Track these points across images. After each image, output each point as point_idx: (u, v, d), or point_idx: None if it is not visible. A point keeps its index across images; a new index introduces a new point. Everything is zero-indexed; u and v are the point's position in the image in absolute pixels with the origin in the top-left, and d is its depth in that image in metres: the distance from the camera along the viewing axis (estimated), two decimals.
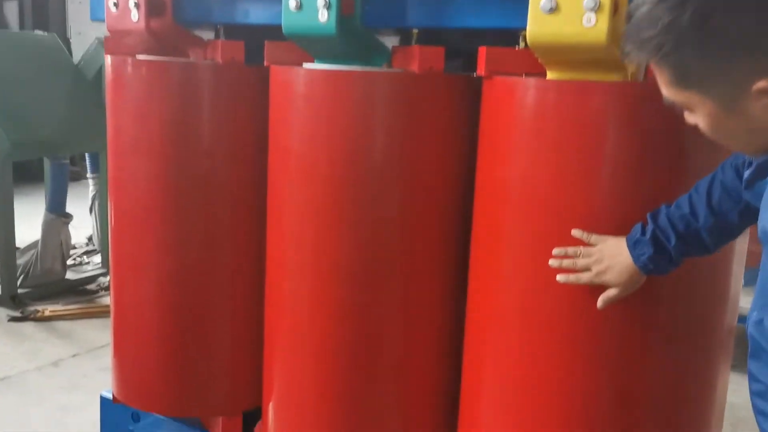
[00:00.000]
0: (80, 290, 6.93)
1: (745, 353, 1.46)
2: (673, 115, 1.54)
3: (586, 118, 1.94)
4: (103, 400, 3.44)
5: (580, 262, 1.89)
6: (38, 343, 5.65)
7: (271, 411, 2.76)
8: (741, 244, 2.15)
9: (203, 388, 3.00)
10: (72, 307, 6.43)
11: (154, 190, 2.85)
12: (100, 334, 5.65)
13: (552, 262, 1.93)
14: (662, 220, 1.82)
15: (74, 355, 5.39)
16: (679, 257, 1.84)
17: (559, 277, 1.92)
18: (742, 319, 1.71)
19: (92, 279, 7.11)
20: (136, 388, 3.11)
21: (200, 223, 2.87)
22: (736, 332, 2.30)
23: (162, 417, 3.25)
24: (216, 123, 2.81)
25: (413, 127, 2.33)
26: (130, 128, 2.87)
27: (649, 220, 1.84)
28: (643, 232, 1.83)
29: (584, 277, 1.88)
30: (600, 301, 1.89)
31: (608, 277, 1.86)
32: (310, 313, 2.52)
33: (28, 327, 6.01)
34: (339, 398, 2.52)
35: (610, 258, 1.85)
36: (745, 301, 1.94)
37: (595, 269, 1.87)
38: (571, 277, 1.90)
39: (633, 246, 1.83)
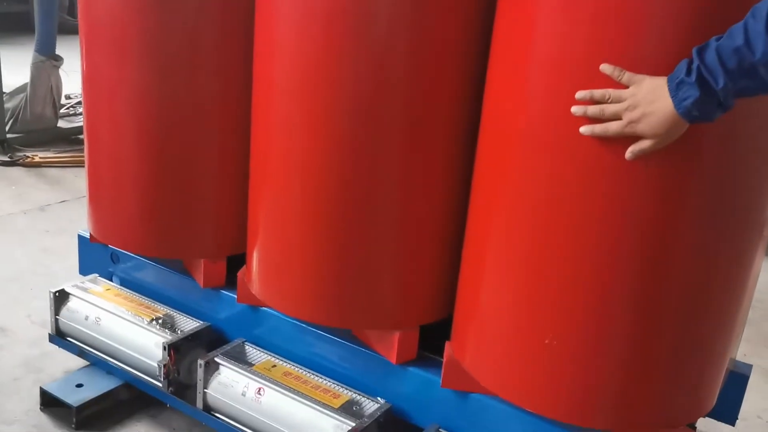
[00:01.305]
0: (73, 139, 6.67)
1: None
2: None
3: None
4: (80, 238, 3.23)
5: (610, 108, 1.57)
6: (26, 188, 5.45)
7: (255, 257, 2.53)
8: None
9: (185, 230, 2.76)
10: (63, 155, 6.19)
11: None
12: None
13: (575, 109, 1.62)
14: (710, 55, 1.47)
15: (62, 201, 5.19)
16: (729, 99, 1.49)
17: (583, 129, 1.61)
18: None
19: None
20: (113, 227, 2.87)
21: (183, 50, 2.53)
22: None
23: (143, 260, 3.05)
24: None
25: None
26: None
27: (694, 56, 1.50)
28: (689, 72, 1.49)
29: (613, 127, 1.58)
30: (629, 153, 1.59)
31: (642, 127, 1.55)
32: (301, 153, 2.23)
33: (16, 172, 5.79)
34: (327, 248, 2.28)
35: (647, 103, 1.53)
36: None
37: (626, 117, 1.55)
38: (597, 129, 1.59)
39: (676, 88, 1.51)
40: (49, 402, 2.83)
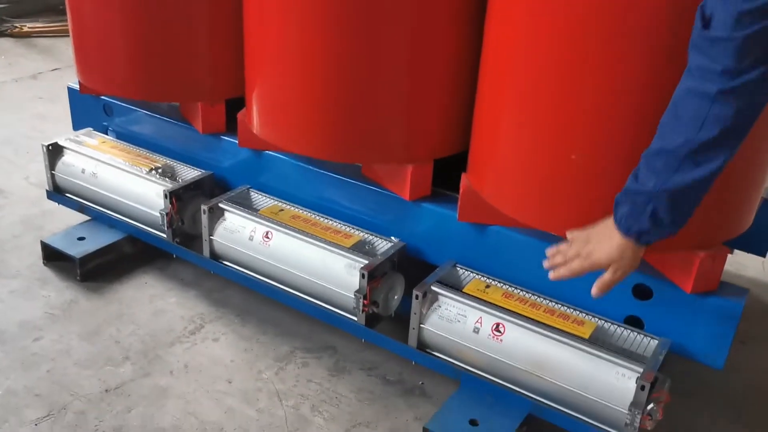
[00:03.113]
0: (61, 9, 6.32)
1: None
2: None
3: None
4: (70, 91, 3.04)
5: (570, 251, 1.68)
6: (16, 57, 5.21)
7: (256, 95, 2.34)
8: None
9: (176, 71, 2.56)
10: (52, 24, 5.88)
11: None
12: None
13: (545, 264, 1.74)
14: (640, 169, 1.53)
15: (54, 70, 4.96)
16: (659, 204, 1.50)
17: (551, 275, 1.71)
18: None
19: None
20: (102, 71, 2.67)
21: None
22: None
23: (138, 110, 2.87)
24: None
25: None
26: None
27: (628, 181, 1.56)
28: (624, 193, 1.57)
29: (575, 265, 1.66)
30: (595, 291, 1.65)
31: (598, 255, 1.62)
32: None
33: (4, 42, 5.53)
34: (333, 77, 2.08)
35: (598, 237, 1.63)
36: None
37: (584, 252, 1.65)
38: (562, 270, 1.69)
39: (615, 210, 1.58)
40: (51, 255, 2.74)
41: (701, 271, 1.84)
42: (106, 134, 3.00)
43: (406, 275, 2.26)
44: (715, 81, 1.35)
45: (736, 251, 2.39)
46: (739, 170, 1.76)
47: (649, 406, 1.78)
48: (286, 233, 2.34)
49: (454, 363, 2.08)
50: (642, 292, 1.97)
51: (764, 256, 2.31)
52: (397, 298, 2.27)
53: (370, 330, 2.20)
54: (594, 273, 1.66)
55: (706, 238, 1.83)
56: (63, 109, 4.09)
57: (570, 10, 1.65)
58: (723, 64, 1.33)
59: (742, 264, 2.85)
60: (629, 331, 1.96)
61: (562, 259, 1.70)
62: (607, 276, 1.63)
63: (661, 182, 1.47)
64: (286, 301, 2.38)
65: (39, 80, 4.75)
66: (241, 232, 2.43)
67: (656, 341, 1.91)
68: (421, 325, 2.09)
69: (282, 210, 2.46)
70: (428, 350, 2.12)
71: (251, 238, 2.40)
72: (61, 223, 2.92)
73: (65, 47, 5.44)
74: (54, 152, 2.84)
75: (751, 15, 1.28)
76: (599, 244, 1.62)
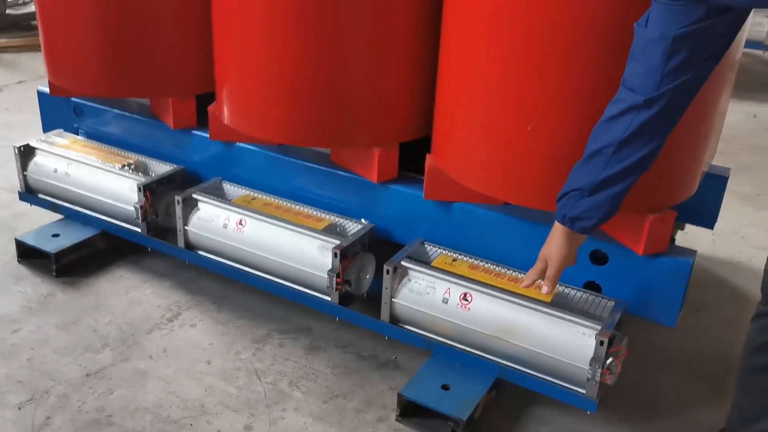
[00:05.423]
0: (25, 25, 6.34)
1: None
2: None
3: None
4: (40, 94, 3.08)
5: (539, 265, 1.88)
6: None
7: (225, 87, 2.43)
8: None
9: (147, 67, 2.63)
10: (16, 40, 5.89)
11: None
12: None
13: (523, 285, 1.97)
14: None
15: (19, 82, 4.97)
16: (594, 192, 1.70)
17: (544, 292, 1.92)
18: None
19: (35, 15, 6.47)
20: (72, 69, 2.73)
21: None
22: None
23: (109, 109, 2.93)
24: None
25: None
26: None
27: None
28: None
29: (548, 272, 1.86)
30: (545, 289, 1.88)
31: (551, 254, 1.83)
32: None
33: None
34: (298, 66, 2.17)
35: (548, 238, 1.84)
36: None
37: (543, 257, 1.86)
38: (545, 283, 1.88)
39: (556, 207, 1.78)
40: (25, 253, 2.77)
41: (651, 233, 1.98)
42: (77, 135, 3.05)
43: (377, 256, 2.36)
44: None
45: (687, 227, 2.55)
46: (681, 139, 1.91)
47: (608, 360, 1.89)
48: (260, 219, 2.42)
49: (425, 334, 2.17)
50: (598, 258, 2.10)
51: (713, 228, 2.46)
52: (368, 277, 2.36)
53: (344, 308, 2.29)
54: None
55: (654, 203, 1.97)
56: (29, 119, 4.13)
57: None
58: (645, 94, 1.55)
59: (693, 241, 3.00)
60: (588, 294, 2.08)
61: (537, 274, 1.88)
62: (553, 273, 1.84)
63: (593, 178, 1.67)
64: (261, 285, 2.46)
65: (4, 92, 4.76)
66: (215, 221, 2.50)
67: (613, 302, 2.03)
68: (393, 299, 2.18)
69: (254, 199, 2.54)
70: (400, 324, 2.22)
71: (225, 226, 2.47)
72: (34, 224, 2.95)
73: (29, 61, 5.46)
74: (26, 153, 2.88)
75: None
76: (550, 245, 1.83)
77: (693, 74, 1.53)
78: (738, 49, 2.02)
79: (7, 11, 6.52)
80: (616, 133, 1.61)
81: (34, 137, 2.96)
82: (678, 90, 1.54)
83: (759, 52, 6.06)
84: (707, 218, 2.44)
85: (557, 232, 1.80)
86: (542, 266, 1.87)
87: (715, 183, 2.38)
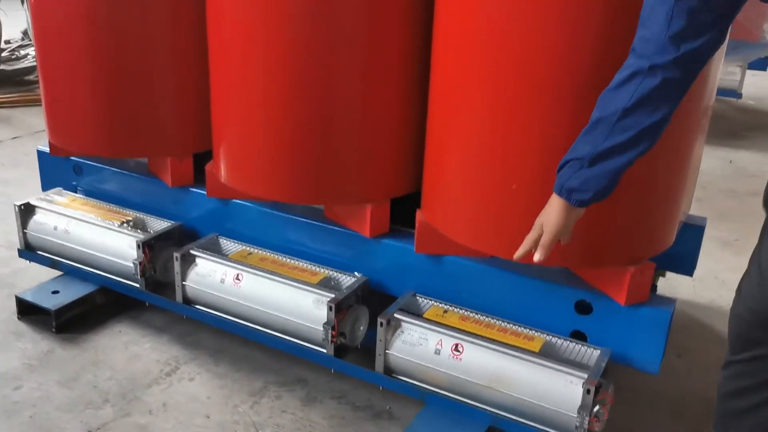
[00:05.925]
0: (18, 81, 6.47)
1: None
2: None
3: None
4: (40, 154, 3.18)
5: (534, 233, 1.82)
6: None
7: (223, 146, 2.54)
8: None
9: (147, 128, 2.74)
10: (10, 96, 6.01)
11: None
12: (41, 120, 5.25)
13: (517, 255, 1.87)
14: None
15: (14, 138, 5.07)
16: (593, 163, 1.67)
17: (535, 259, 1.83)
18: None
19: (31, 70, 6.60)
20: (73, 131, 2.84)
21: None
22: None
23: (108, 168, 3.02)
24: None
25: None
26: None
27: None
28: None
29: (543, 240, 1.80)
30: (537, 255, 1.81)
31: (548, 222, 1.78)
32: (263, 32, 2.23)
33: None
34: (292, 127, 2.30)
35: (546, 207, 1.80)
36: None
37: (539, 225, 1.81)
38: (539, 250, 1.81)
39: (556, 176, 1.76)
40: (25, 310, 2.83)
41: (632, 284, 2.08)
42: (76, 193, 3.13)
43: (370, 308, 2.44)
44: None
45: (668, 274, 2.66)
46: (658, 192, 2.03)
47: (596, 408, 1.97)
48: (256, 274, 2.51)
49: (418, 384, 2.24)
50: (583, 308, 2.19)
51: (692, 275, 2.56)
52: (362, 329, 2.44)
53: (339, 360, 2.36)
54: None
55: (634, 255, 2.07)
56: (25, 174, 4.22)
57: (501, 63, 1.91)
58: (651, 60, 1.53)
59: (674, 287, 3.11)
60: (574, 343, 2.17)
61: (531, 243, 1.83)
62: (548, 239, 1.78)
63: (594, 147, 1.64)
64: (257, 338, 2.52)
65: (0, 148, 4.85)
66: (212, 276, 2.58)
67: (598, 351, 2.12)
68: (387, 351, 2.26)
69: (251, 254, 2.63)
70: (394, 375, 2.29)
71: (222, 281, 2.55)
72: (33, 281, 3.01)
73: (23, 116, 5.57)
74: (26, 211, 2.96)
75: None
76: (548, 214, 1.78)
77: (701, 42, 1.50)
78: (711, 96, 2.14)
79: (1, 67, 6.67)
80: (621, 100, 1.58)
81: (31, 193, 3.04)
82: (685, 57, 1.51)
83: (733, 99, 6.28)
84: (686, 266, 2.54)
85: (555, 201, 1.76)
86: (537, 234, 1.82)
87: (693, 232, 2.49)
